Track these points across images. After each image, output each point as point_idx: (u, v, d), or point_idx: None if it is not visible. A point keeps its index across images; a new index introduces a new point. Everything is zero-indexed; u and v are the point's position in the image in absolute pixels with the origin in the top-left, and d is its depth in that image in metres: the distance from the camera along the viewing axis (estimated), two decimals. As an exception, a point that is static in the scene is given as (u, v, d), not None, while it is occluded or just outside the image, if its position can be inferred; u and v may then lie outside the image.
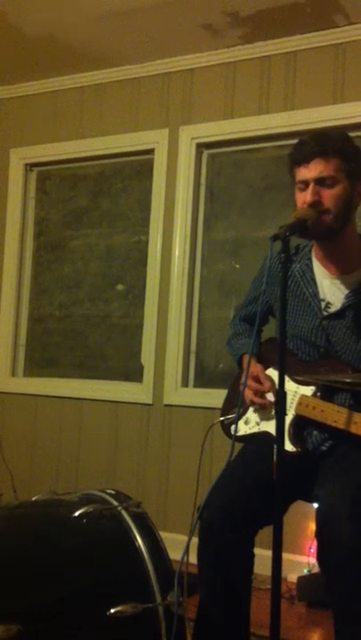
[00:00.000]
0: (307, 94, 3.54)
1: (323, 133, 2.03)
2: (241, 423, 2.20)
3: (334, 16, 3.35)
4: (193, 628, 1.89)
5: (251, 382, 2.14)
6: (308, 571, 3.12)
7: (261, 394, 2.12)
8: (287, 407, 2.06)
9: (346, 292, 2.06)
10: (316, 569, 3.07)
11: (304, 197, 1.97)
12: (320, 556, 1.83)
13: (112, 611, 1.60)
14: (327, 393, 2.05)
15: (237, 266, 3.80)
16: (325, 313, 2.08)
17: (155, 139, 3.93)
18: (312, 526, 3.08)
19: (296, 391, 2.08)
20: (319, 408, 2.01)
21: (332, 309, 2.08)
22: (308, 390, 2.06)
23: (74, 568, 1.68)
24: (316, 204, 1.95)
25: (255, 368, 2.17)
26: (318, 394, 2.04)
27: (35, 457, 4.13)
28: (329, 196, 1.96)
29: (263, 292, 2.21)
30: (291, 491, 1.95)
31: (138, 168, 4.08)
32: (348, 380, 2.01)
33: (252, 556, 1.96)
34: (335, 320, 2.07)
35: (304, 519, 3.13)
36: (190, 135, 3.83)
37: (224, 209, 3.84)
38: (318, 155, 1.95)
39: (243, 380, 2.05)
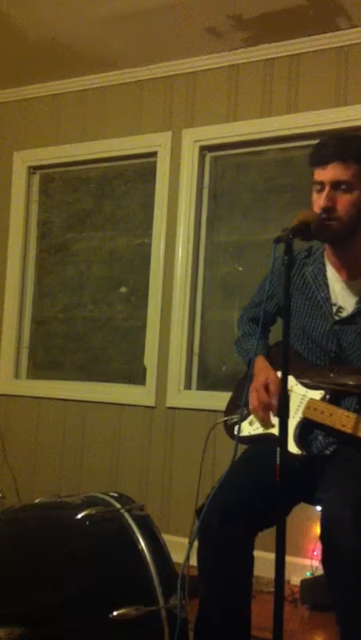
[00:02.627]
0: (310, 97, 3.54)
1: (344, 137, 2.01)
2: (246, 424, 2.19)
3: (337, 19, 3.35)
4: (193, 630, 1.89)
5: (261, 390, 2.12)
6: (312, 573, 3.11)
7: (267, 406, 2.11)
8: (295, 410, 2.06)
9: (358, 296, 2.05)
10: (319, 572, 3.07)
11: (319, 200, 1.96)
12: (325, 560, 1.82)
13: (115, 613, 1.60)
14: (334, 397, 2.05)
15: (240, 268, 3.80)
16: (337, 317, 2.08)
17: (158, 141, 3.94)
18: (315, 529, 3.07)
19: (304, 395, 2.08)
20: (328, 412, 2.01)
21: (344, 314, 2.07)
22: (317, 394, 2.06)
23: (77, 570, 1.68)
24: (329, 210, 1.94)
25: (269, 374, 2.14)
26: (327, 397, 2.04)
27: (38, 459, 4.13)
28: (344, 202, 1.95)
29: (270, 295, 2.20)
30: (293, 493, 1.95)
31: (141, 171, 4.09)
32: (351, 383, 2.01)
33: (252, 557, 1.95)
34: (346, 325, 2.06)
35: (307, 522, 3.12)
36: (193, 138, 3.83)
37: (227, 211, 3.84)
38: (337, 158, 1.94)
39: (249, 383, 2.05)
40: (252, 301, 2.41)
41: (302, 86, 3.57)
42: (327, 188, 1.95)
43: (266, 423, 2.13)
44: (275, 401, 2.08)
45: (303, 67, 3.57)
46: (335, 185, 1.95)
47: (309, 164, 2.02)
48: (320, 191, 1.97)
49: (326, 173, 1.95)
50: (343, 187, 1.94)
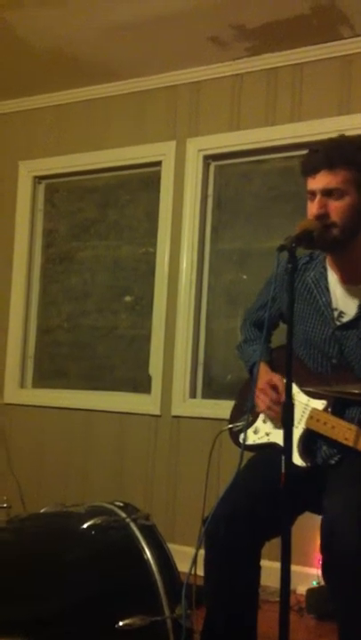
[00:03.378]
0: (313, 106, 3.55)
1: (335, 143, 2.00)
2: (250, 432, 2.19)
3: (340, 28, 3.36)
4: (199, 639, 1.88)
5: (268, 389, 2.12)
6: (318, 583, 3.10)
7: (277, 404, 2.11)
8: (298, 420, 2.05)
9: (359, 302, 2.05)
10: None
11: (312, 208, 1.97)
12: (326, 568, 1.82)
13: (120, 623, 1.60)
14: (338, 407, 2.04)
15: (245, 276, 3.80)
16: (338, 323, 2.07)
17: (162, 151, 3.95)
18: (321, 538, 3.06)
19: (307, 404, 2.07)
20: (330, 424, 2.00)
21: (345, 319, 2.07)
22: (320, 404, 2.05)
23: (82, 580, 1.68)
24: (322, 217, 1.94)
25: (272, 376, 2.15)
26: (329, 409, 2.04)
27: (43, 468, 4.12)
28: (336, 209, 1.95)
29: (272, 298, 2.20)
30: (298, 502, 1.94)
31: (145, 180, 4.10)
32: (356, 391, 2.00)
33: (259, 567, 1.94)
34: (348, 330, 2.05)
35: (313, 531, 3.09)
36: (197, 147, 3.85)
37: (231, 220, 3.85)
38: (324, 166, 1.94)
39: (254, 388, 2.04)
40: (254, 305, 2.40)
41: (306, 95, 3.58)
42: (318, 196, 1.96)
43: (278, 423, 2.11)
44: (284, 397, 2.08)
45: (306, 76, 3.58)
46: (326, 193, 1.95)
47: (301, 174, 2.03)
48: (312, 199, 1.98)
49: (316, 182, 1.96)
50: (335, 194, 1.95)
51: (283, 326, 2.29)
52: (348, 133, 3.39)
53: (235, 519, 1.88)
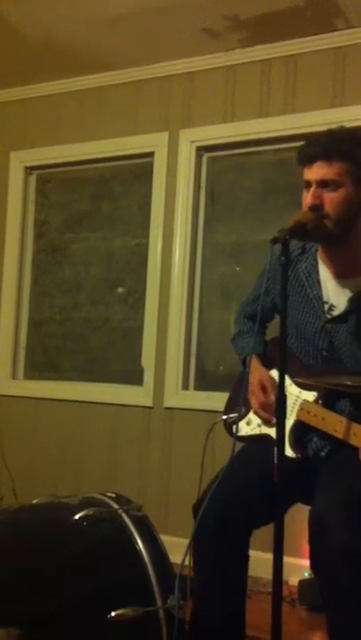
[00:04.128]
0: (307, 98, 3.54)
1: (333, 134, 1.99)
2: (243, 423, 2.20)
3: (334, 20, 3.35)
4: (188, 629, 1.89)
5: (257, 391, 2.13)
6: (310, 574, 3.11)
7: (267, 406, 2.12)
8: (289, 412, 2.06)
9: (350, 295, 2.05)
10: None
11: (307, 198, 1.97)
12: (314, 561, 1.82)
13: (113, 614, 1.60)
14: (329, 399, 2.04)
15: (238, 269, 3.80)
16: (329, 316, 2.07)
17: (155, 142, 3.93)
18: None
19: (298, 396, 2.08)
20: (321, 416, 2.01)
21: (336, 312, 2.07)
22: (311, 396, 2.06)
23: (74, 571, 1.68)
24: (316, 207, 1.93)
25: (263, 374, 2.16)
26: (320, 401, 2.04)
27: (35, 460, 4.12)
28: (331, 200, 1.94)
29: (266, 291, 2.20)
30: (290, 493, 1.95)
31: (138, 171, 4.09)
32: (348, 383, 2.01)
33: (247, 556, 1.95)
34: (338, 324, 2.05)
35: (305, 522, 3.12)
36: (190, 138, 3.83)
37: (224, 212, 3.84)
38: (321, 157, 1.93)
39: (246, 380, 2.04)
40: (249, 297, 2.41)
41: (299, 87, 3.57)
42: (313, 187, 1.95)
43: (269, 423, 2.13)
44: (272, 398, 2.08)
45: (300, 67, 3.57)
46: (322, 184, 1.94)
47: (297, 164, 2.02)
48: (308, 189, 1.97)
49: (312, 173, 1.95)
50: (330, 185, 1.94)
51: (277, 318, 2.30)
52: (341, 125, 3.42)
53: (226, 508, 1.88)
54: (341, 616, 1.76)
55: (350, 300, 2.04)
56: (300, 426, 2.06)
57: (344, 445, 1.96)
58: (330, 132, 2.00)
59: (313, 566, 1.83)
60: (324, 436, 2.01)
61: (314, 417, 2.02)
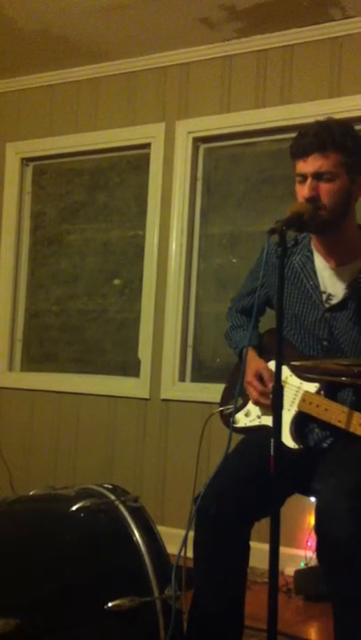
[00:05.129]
0: (303, 88, 3.53)
1: (324, 125, 1.99)
2: (241, 415, 2.20)
3: (331, 10, 3.34)
4: (187, 618, 1.89)
5: (254, 381, 2.13)
6: (306, 564, 3.13)
7: (265, 395, 2.12)
8: (290, 403, 2.06)
9: (347, 282, 2.05)
10: (313, 562, 3.08)
11: (302, 191, 1.96)
12: (320, 550, 1.83)
13: (110, 604, 1.61)
14: (330, 390, 2.05)
15: (234, 260, 3.79)
16: (327, 305, 2.08)
17: (151, 133, 3.92)
18: (310, 520, 3.08)
19: (300, 387, 2.08)
20: (323, 406, 2.01)
21: (334, 301, 2.07)
22: (312, 387, 2.06)
23: (71, 562, 1.68)
24: (313, 199, 1.94)
25: (259, 364, 2.16)
26: (322, 392, 2.04)
27: (32, 452, 4.13)
28: (327, 191, 1.95)
29: (261, 284, 2.20)
30: (288, 484, 1.95)
31: (134, 162, 4.07)
32: (345, 363, 2.00)
33: (248, 547, 1.96)
34: (338, 312, 2.06)
35: (302, 513, 3.14)
36: (187, 129, 3.82)
37: (221, 203, 3.84)
38: (317, 149, 1.93)
39: (242, 373, 2.04)
40: (240, 293, 2.41)
41: (296, 77, 3.56)
42: (309, 180, 1.95)
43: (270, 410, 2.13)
44: (271, 386, 2.09)
45: (297, 58, 3.56)
46: (317, 176, 1.95)
47: (290, 156, 2.01)
48: (302, 182, 1.97)
49: (307, 165, 1.95)
50: (326, 177, 1.94)
51: (270, 312, 2.30)
52: (337, 116, 3.41)
53: (224, 499, 1.89)
54: (347, 605, 1.76)
55: (348, 287, 2.05)
56: (301, 417, 2.06)
57: (347, 437, 1.97)
58: (320, 124, 1.99)
59: (319, 556, 1.84)
60: (327, 426, 2.02)
61: (316, 408, 2.02)
